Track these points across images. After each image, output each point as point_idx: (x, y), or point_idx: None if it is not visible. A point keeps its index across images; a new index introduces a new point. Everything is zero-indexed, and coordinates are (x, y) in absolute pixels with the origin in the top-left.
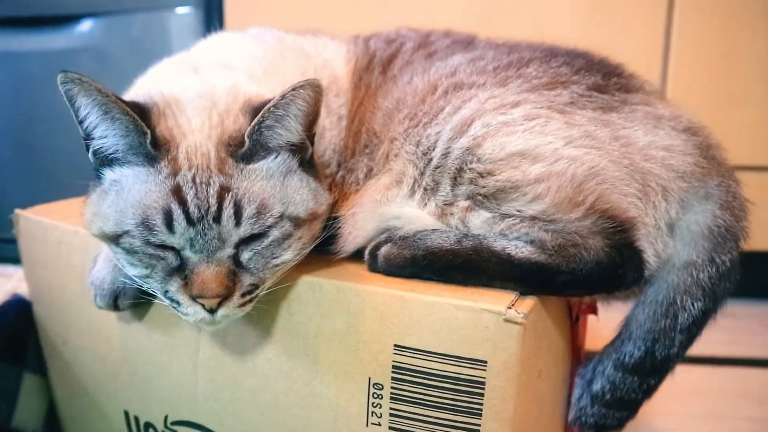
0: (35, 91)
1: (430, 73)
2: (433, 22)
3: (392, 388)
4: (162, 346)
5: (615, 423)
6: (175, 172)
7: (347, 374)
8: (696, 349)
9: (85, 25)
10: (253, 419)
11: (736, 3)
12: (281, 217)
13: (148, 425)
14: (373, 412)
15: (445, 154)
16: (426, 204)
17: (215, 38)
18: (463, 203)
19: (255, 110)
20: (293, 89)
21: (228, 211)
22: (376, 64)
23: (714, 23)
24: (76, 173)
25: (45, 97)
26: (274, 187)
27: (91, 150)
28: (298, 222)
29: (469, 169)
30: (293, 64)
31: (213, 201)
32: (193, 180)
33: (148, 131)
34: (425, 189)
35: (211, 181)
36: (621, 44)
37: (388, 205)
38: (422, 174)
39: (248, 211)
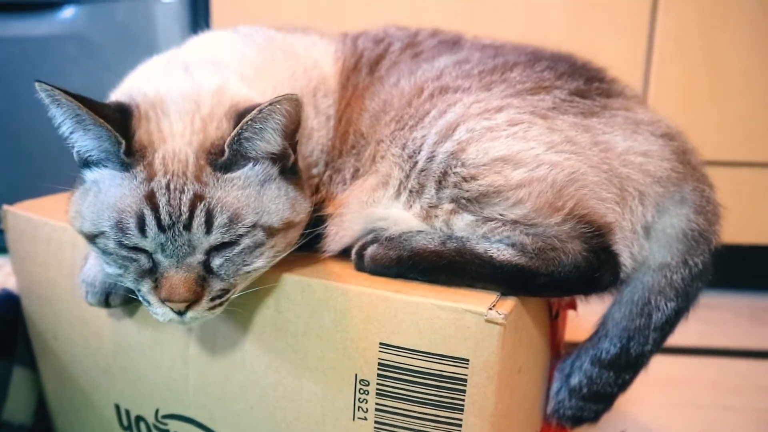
0: (17, 77)
1: (416, 76)
2: (420, 18)
3: (378, 384)
4: (152, 341)
5: (591, 415)
6: (150, 178)
7: (335, 371)
8: (671, 339)
9: (68, 12)
10: (243, 413)
11: (719, 1)
12: (254, 226)
13: (139, 418)
14: (359, 407)
15: (431, 158)
16: (411, 206)
17: (206, 37)
18: (448, 206)
19: (239, 116)
20: (270, 104)
21: (199, 220)
22: (364, 64)
23: (697, 21)
24: (59, 160)
25: (26, 84)
26: (249, 196)
27: (74, 150)
28: (271, 231)
29: (454, 173)
30: (283, 65)
31: (185, 209)
32: (167, 187)
33: (123, 141)
34: (411, 191)
35: (186, 188)
36: (606, 41)
37: (375, 207)
38: (408, 176)
39: (219, 220)
